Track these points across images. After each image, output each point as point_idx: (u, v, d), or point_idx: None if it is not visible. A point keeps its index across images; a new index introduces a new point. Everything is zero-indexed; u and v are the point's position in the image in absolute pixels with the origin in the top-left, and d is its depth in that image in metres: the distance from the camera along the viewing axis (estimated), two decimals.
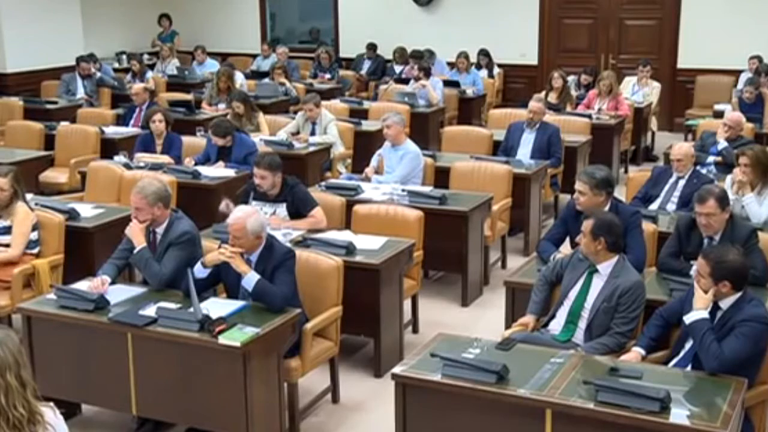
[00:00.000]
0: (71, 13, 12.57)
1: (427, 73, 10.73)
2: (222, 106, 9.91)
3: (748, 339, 3.80)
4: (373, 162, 7.31)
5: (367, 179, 7.14)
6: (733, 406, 3.48)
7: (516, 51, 12.92)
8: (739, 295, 3.95)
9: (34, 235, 5.55)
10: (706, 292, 3.95)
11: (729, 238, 4.82)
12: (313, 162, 8.15)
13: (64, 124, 9.04)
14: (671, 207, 6.23)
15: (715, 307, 3.97)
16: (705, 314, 3.90)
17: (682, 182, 6.28)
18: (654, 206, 6.26)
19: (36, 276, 5.47)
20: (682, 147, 6.41)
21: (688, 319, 3.93)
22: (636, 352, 4.18)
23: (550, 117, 8.61)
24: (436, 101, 10.53)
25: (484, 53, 12.64)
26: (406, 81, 11.74)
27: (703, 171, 6.86)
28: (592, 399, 3.52)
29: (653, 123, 11.08)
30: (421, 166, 7.13)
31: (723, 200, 4.84)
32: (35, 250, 5.56)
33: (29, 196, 6.46)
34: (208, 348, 4.13)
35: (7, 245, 5.45)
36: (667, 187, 6.33)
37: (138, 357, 4.32)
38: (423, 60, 11.68)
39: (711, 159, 7.38)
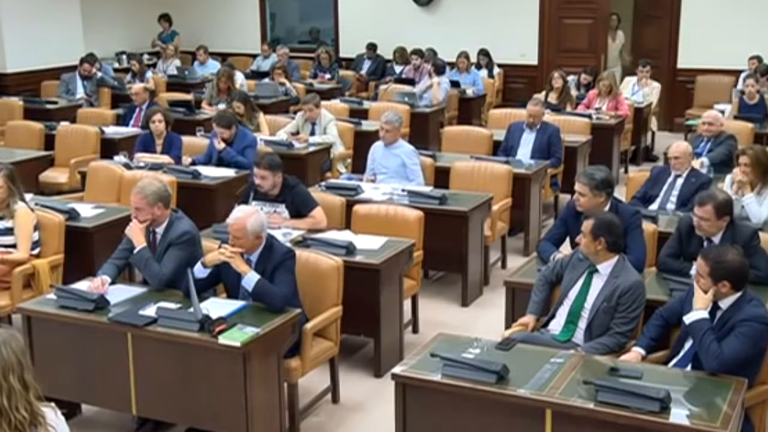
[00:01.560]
0: (71, 13, 12.57)
1: (439, 71, 10.78)
2: (222, 106, 9.92)
3: (748, 339, 3.80)
4: (369, 174, 7.25)
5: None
6: (733, 406, 3.48)
7: (516, 51, 12.91)
8: (738, 295, 3.95)
9: (34, 236, 5.54)
10: (705, 292, 3.95)
11: (730, 240, 4.82)
12: (313, 162, 8.16)
13: (64, 124, 9.03)
14: (670, 206, 6.23)
15: (715, 307, 3.97)
16: (705, 314, 3.90)
17: (680, 181, 6.29)
18: (654, 206, 6.26)
19: (36, 276, 5.46)
20: (680, 145, 6.43)
21: (688, 319, 3.93)
22: (636, 351, 4.18)
23: (550, 117, 8.62)
24: (437, 101, 10.55)
25: (484, 53, 12.64)
26: (406, 81, 11.75)
27: (695, 163, 6.85)
28: (592, 399, 3.52)
29: (653, 123, 11.08)
30: (419, 163, 7.13)
31: (721, 208, 4.78)
32: (35, 251, 5.55)
33: (29, 196, 6.47)
34: (208, 348, 4.13)
35: (9, 246, 5.45)
36: (665, 187, 6.34)
37: (138, 357, 4.32)
38: (436, 57, 11.72)
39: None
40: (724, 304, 3.96)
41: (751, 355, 3.82)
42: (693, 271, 4.78)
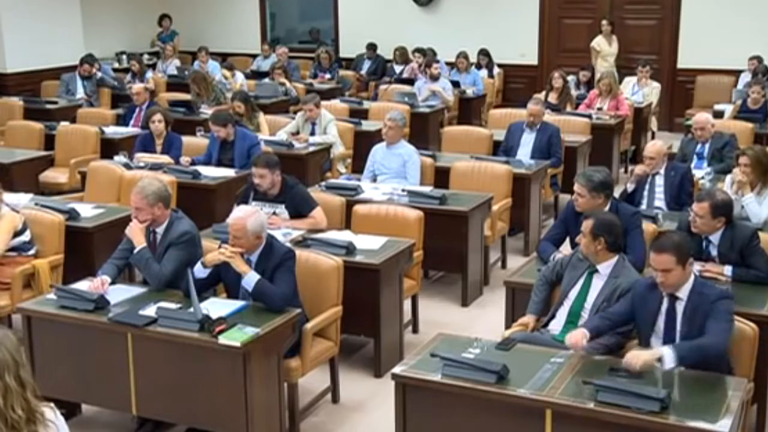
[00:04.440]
0: (71, 13, 12.58)
1: (434, 78, 10.94)
2: (205, 106, 9.90)
3: (729, 314, 3.89)
4: (368, 175, 7.27)
5: None
6: (733, 405, 3.48)
7: (516, 51, 12.92)
8: (692, 278, 4.00)
9: (26, 236, 5.52)
10: (673, 286, 3.93)
11: (729, 239, 4.83)
12: (313, 162, 8.16)
13: (64, 124, 9.04)
14: (659, 204, 6.24)
15: (673, 299, 3.99)
16: (670, 354, 3.74)
17: (659, 178, 6.30)
18: (642, 207, 6.19)
19: (36, 276, 5.47)
20: (655, 144, 6.51)
21: (666, 368, 3.75)
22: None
23: (550, 117, 8.62)
24: (450, 103, 10.74)
25: (484, 53, 12.65)
26: (406, 81, 11.76)
27: (699, 173, 6.84)
28: (592, 399, 3.52)
29: (653, 123, 11.09)
30: (419, 164, 7.14)
31: (718, 208, 4.79)
32: (32, 251, 5.54)
33: (29, 195, 6.49)
34: (208, 348, 4.13)
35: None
36: (647, 187, 6.34)
37: (138, 357, 4.32)
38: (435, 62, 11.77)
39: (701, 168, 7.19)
40: (683, 293, 3.98)
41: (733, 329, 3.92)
42: (695, 271, 4.81)
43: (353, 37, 13.84)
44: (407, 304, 5.80)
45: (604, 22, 12.11)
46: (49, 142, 8.71)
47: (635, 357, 3.74)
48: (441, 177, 7.15)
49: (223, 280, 4.69)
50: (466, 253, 6.31)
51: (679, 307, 3.98)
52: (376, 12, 13.78)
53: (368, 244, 5.43)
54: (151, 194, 4.76)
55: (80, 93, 11.07)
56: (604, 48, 12.00)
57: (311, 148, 8.19)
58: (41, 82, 11.86)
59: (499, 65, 12.87)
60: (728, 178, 6.17)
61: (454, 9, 13.27)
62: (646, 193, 6.33)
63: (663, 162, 6.34)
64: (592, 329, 4.09)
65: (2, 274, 5.37)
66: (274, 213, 5.75)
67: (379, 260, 5.22)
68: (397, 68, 12.79)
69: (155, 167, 7.16)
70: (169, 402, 4.35)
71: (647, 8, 12.41)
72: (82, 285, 4.69)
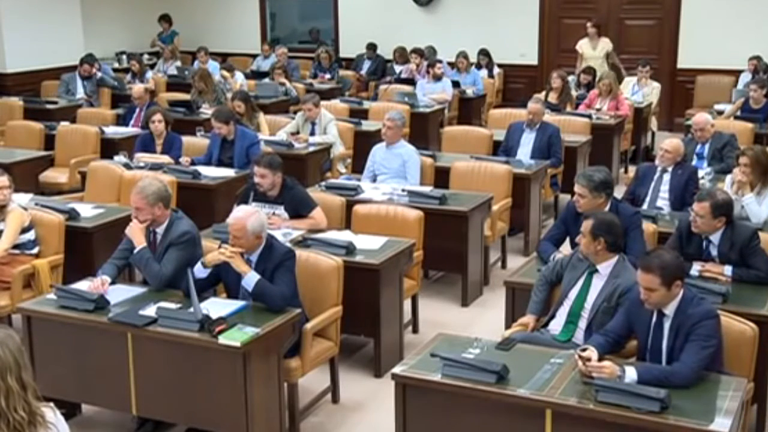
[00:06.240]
0: (71, 13, 12.58)
1: (438, 78, 11.04)
2: (206, 105, 9.89)
3: (708, 338, 3.75)
4: (368, 175, 7.26)
5: None
6: (733, 405, 3.48)
7: (516, 51, 12.93)
8: (680, 296, 3.88)
9: (31, 235, 5.54)
10: (656, 304, 3.88)
11: (729, 239, 4.84)
12: (313, 162, 8.16)
13: (64, 124, 9.03)
14: (661, 203, 6.24)
15: (660, 315, 3.91)
16: (633, 378, 3.65)
17: (667, 176, 6.31)
18: (644, 206, 6.19)
19: (36, 276, 5.47)
20: (673, 141, 6.51)
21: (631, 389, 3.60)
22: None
23: (549, 117, 8.62)
24: (448, 98, 10.85)
25: (484, 53, 12.66)
26: (406, 81, 11.76)
27: (699, 173, 6.84)
28: (592, 399, 3.52)
29: (653, 123, 11.08)
30: (419, 163, 7.14)
31: (718, 208, 4.79)
32: (34, 251, 5.55)
33: (29, 195, 6.49)
34: (208, 348, 4.13)
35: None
36: (653, 183, 6.35)
37: (138, 357, 4.33)
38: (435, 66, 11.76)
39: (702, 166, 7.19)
40: (669, 309, 3.88)
41: (714, 351, 3.79)
42: (694, 272, 4.81)
43: (353, 37, 13.85)
44: (407, 304, 5.80)
45: (588, 24, 11.74)
46: (49, 142, 8.71)
47: (599, 370, 3.66)
48: (441, 177, 7.15)
49: (223, 280, 4.69)
50: (466, 253, 6.31)
51: (666, 324, 3.90)
52: (376, 12, 13.79)
53: (368, 244, 5.43)
54: (151, 194, 4.76)
55: (80, 93, 11.07)
56: (587, 51, 11.64)
57: (311, 148, 8.19)
58: (41, 82, 11.86)
59: (499, 65, 12.87)
60: (728, 178, 6.17)
61: (454, 9, 13.28)
62: (650, 191, 6.34)
63: (674, 162, 6.34)
64: (600, 351, 3.91)
65: (3, 273, 5.38)
66: (274, 214, 5.75)
67: (379, 260, 5.22)
68: (397, 68, 12.79)
69: (155, 167, 7.16)
70: (169, 402, 4.36)
71: (647, 8, 12.42)
72: (82, 285, 4.69)
